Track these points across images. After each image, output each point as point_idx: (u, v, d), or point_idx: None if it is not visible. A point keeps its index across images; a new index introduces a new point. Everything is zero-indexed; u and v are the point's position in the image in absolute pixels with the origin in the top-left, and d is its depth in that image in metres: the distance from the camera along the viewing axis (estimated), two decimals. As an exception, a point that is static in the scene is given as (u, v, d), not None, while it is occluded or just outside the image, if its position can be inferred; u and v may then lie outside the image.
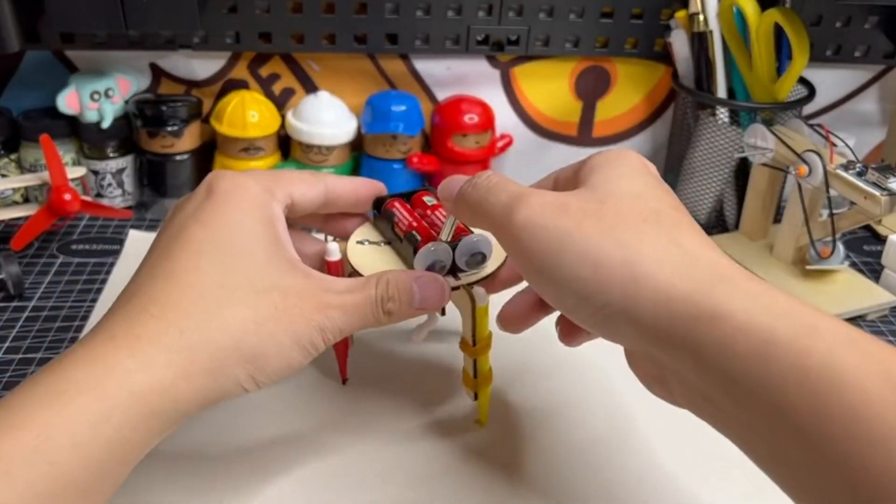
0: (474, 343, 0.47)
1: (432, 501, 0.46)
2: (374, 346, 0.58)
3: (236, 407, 0.51)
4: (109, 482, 0.35)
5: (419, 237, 0.46)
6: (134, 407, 0.34)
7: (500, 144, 0.76)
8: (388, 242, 0.49)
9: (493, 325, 0.47)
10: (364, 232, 0.50)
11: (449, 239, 0.45)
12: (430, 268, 0.45)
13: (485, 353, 0.48)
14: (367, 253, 0.48)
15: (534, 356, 0.58)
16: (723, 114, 0.70)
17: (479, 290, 0.45)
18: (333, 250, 0.47)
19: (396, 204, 0.49)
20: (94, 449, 0.33)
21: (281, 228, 0.42)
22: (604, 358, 0.59)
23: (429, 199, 0.50)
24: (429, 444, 0.50)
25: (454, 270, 0.46)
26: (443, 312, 0.48)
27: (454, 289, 0.45)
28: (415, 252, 0.44)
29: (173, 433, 0.37)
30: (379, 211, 0.50)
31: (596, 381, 0.56)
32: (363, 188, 0.48)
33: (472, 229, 0.47)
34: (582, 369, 0.57)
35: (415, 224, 0.47)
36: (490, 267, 0.47)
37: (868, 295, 0.64)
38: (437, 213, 0.49)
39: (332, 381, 0.54)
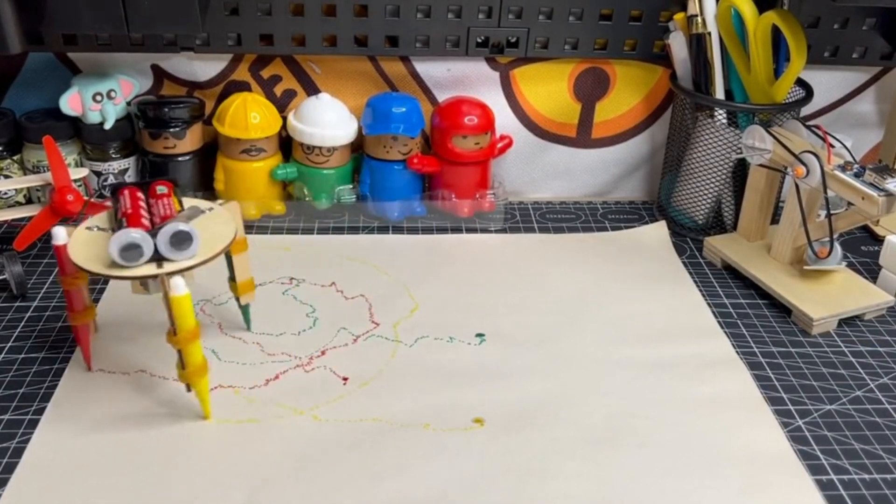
0: (175, 333, 0.48)
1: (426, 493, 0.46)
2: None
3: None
4: None
5: (126, 223, 0.47)
6: None
7: (499, 146, 0.77)
8: (114, 230, 0.49)
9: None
10: (100, 218, 0.51)
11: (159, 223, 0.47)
12: (125, 254, 0.46)
13: (190, 344, 0.48)
14: (89, 240, 0.49)
15: (529, 354, 0.59)
16: (721, 115, 0.70)
17: (175, 280, 0.46)
18: (59, 234, 0.49)
19: (126, 191, 0.51)
20: None
21: None
22: (603, 358, 0.59)
23: (161, 188, 0.52)
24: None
25: (160, 259, 0.47)
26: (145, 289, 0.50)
27: (153, 277, 0.47)
28: None
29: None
30: (114, 197, 0.52)
31: (593, 380, 0.56)
32: None
33: (186, 210, 0.50)
34: (578, 369, 0.57)
35: (129, 210, 0.48)
36: (199, 255, 0.48)
37: (865, 295, 0.64)
38: (163, 201, 0.50)
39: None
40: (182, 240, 0.47)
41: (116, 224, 0.49)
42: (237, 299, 0.58)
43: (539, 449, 0.50)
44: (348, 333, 0.60)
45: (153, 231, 0.46)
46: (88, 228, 0.50)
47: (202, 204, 0.53)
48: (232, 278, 0.57)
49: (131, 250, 0.46)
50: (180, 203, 0.52)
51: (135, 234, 0.46)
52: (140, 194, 0.51)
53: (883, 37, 0.76)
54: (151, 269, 0.47)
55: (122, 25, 0.61)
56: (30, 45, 0.69)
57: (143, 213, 0.49)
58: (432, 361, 0.58)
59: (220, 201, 0.53)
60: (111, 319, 0.61)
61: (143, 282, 0.50)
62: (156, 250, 0.47)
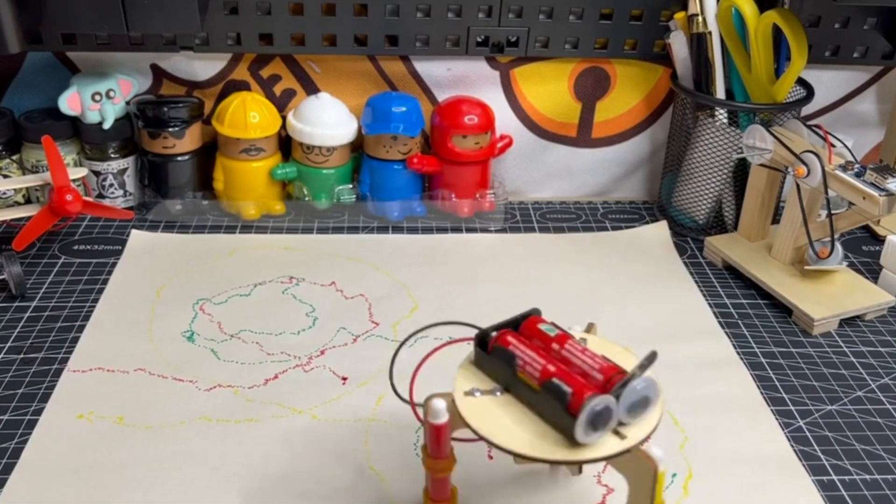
0: None
1: None
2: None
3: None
4: None
5: (567, 388, 0.36)
6: None
7: (499, 145, 0.76)
8: (507, 389, 0.39)
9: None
10: (466, 377, 0.40)
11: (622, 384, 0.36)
12: (591, 427, 0.35)
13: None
14: (485, 408, 0.38)
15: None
16: (721, 115, 0.70)
17: (656, 450, 0.36)
18: (440, 410, 0.38)
19: (511, 339, 0.39)
20: None
21: None
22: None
23: (548, 329, 0.40)
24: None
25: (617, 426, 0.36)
26: (579, 470, 0.43)
27: (622, 453, 0.36)
28: (567, 409, 0.35)
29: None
30: (485, 348, 0.40)
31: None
32: None
33: (640, 362, 0.37)
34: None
35: (551, 368, 0.37)
36: (656, 415, 0.37)
37: (866, 295, 0.64)
38: (570, 345, 0.39)
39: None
40: (645, 403, 0.37)
41: (521, 384, 0.38)
42: None
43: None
44: (348, 333, 0.60)
45: (615, 392, 0.36)
46: (469, 394, 0.39)
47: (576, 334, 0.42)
48: None
49: (597, 423, 0.35)
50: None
51: (600, 403, 0.35)
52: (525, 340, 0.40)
53: (884, 36, 0.76)
54: (615, 443, 0.36)
55: (122, 25, 0.61)
56: (29, 45, 0.69)
57: (563, 366, 0.38)
58: (432, 361, 0.57)
59: (589, 325, 0.43)
60: (108, 310, 0.61)
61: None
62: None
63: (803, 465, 0.50)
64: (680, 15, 0.70)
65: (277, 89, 0.76)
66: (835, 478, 0.49)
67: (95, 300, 0.63)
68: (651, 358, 0.38)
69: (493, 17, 0.72)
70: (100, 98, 0.71)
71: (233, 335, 0.60)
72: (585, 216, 0.78)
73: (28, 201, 0.73)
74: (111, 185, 0.74)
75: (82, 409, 0.52)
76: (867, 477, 0.49)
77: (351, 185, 0.76)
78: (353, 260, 0.69)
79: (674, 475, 0.48)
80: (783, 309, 0.65)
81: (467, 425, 0.37)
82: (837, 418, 0.54)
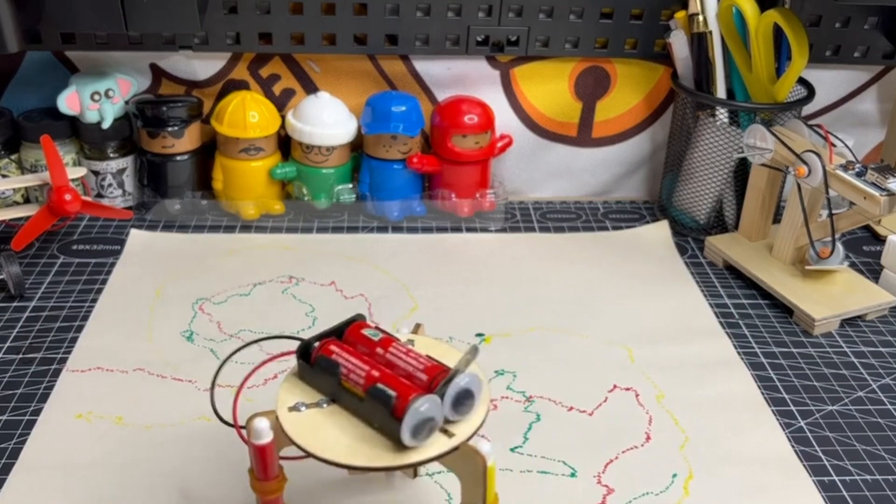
0: None
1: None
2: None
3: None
4: None
5: (392, 392, 0.35)
6: None
7: (499, 145, 0.76)
8: (334, 400, 0.38)
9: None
10: (290, 391, 0.38)
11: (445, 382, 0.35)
12: (417, 432, 0.35)
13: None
14: (311, 422, 0.37)
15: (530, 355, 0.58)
16: (722, 114, 0.70)
17: (484, 444, 0.36)
18: (262, 430, 0.36)
19: (334, 347, 0.38)
20: None
21: None
22: (603, 358, 0.59)
23: (371, 333, 0.39)
24: None
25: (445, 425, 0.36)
26: (414, 473, 0.42)
27: (450, 452, 0.35)
28: (392, 414, 0.34)
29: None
30: (308, 360, 0.38)
31: (594, 380, 0.56)
32: None
33: (462, 358, 0.37)
34: (578, 368, 0.57)
35: (375, 373, 0.36)
36: (482, 410, 0.37)
37: (867, 295, 0.64)
38: (394, 348, 0.38)
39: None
40: (469, 397, 0.36)
41: (349, 395, 0.37)
42: None
43: (539, 449, 0.50)
44: (347, 333, 0.60)
45: (440, 391, 0.35)
46: (294, 409, 0.37)
47: (401, 336, 0.41)
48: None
49: (425, 426, 0.35)
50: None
51: (424, 406, 0.34)
52: (347, 347, 0.39)
53: (885, 36, 0.75)
54: (443, 442, 0.35)
55: (121, 24, 0.61)
56: (28, 44, 0.69)
57: (387, 370, 0.37)
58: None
59: (416, 326, 0.42)
60: (107, 310, 0.60)
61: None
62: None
63: (804, 465, 0.49)
64: (680, 14, 0.70)
65: (277, 89, 0.76)
66: (835, 478, 0.49)
67: (94, 300, 0.63)
68: (473, 352, 0.37)
69: (493, 16, 0.72)
70: (99, 98, 0.70)
71: (232, 335, 0.59)
72: (585, 216, 0.78)
73: (27, 201, 0.73)
74: (110, 185, 0.74)
75: (81, 408, 0.52)
76: (868, 477, 0.49)
77: (351, 185, 0.75)
78: (352, 260, 0.69)
79: (674, 475, 0.48)
80: (784, 309, 0.64)
81: (292, 441, 0.35)
82: (838, 418, 0.54)
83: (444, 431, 0.36)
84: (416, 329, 0.43)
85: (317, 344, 0.38)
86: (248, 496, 0.46)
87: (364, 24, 0.72)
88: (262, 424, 0.36)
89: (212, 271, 0.67)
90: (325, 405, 0.37)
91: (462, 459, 0.36)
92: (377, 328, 0.40)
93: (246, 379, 0.40)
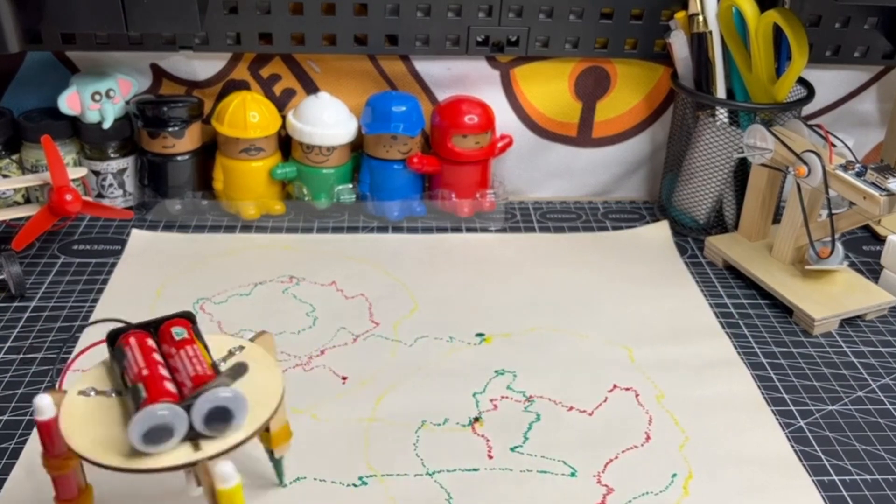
0: None
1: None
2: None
3: None
4: None
5: (144, 394, 0.35)
6: None
7: (499, 145, 0.76)
8: (119, 392, 0.37)
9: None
10: (94, 377, 0.38)
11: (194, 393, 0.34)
12: (150, 438, 0.34)
13: None
14: (88, 410, 0.36)
15: (530, 357, 0.58)
16: (722, 114, 0.70)
17: (223, 468, 0.34)
18: (45, 407, 0.35)
19: (131, 340, 0.38)
20: None
21: None
22: (603, 358, 0.59)
23: (178, 332, 0.39)
24: None
25: (196, 436, 0.35)
26: (197, 483, 0.38)
27: (191, 465, 0.34)
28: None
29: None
30: (113, 347, 0.38)
31: (593, 380, 0.56)
32: None
33: (223, 371, 0.36)
34: (578, 368, 0.57)
35: (146, 371, 0.36)
36: (243, 432, 0.35)
37: (867, 295, 0.64)
38: (187, 350, 0.38)
39: None
40: (225, 415, 0.35)
41: (128, 391, 0.36)
42: (269, 452, 0.45)
43: (539, 449, 0.50)
44: (348, 333, 0.60)
45: (186, 403, 0.34)
46: (83, 393, 0.37)
47: (229, 342, 0.41)
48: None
49: (160, 434, 0.34)
50: (206, 348, 0.39)
51: (162, 412, 0.33)
52: (151, 341, 0.39)
53: (885, 36, 0.75)
54: (186, 454, 0.34)
55: (121, 24, 0.61)
56: (28, 45, 0.69)
57: (164, 371, 0.37)
58: (432, 361, 0.57)
59: (249, 337, 0.42)
60: (107, 310, 0.60)
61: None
62: (191, 426, 0.35)
63: (804, 465, 0.50)
64: (680, 14, 0.70)
65: (277, 89, 0.76)
66: (835, 478, 0.49)
67: (95, 300, 0.63)
68: (237, 370, 0.36)
69: (494, 16, 0.72)
70: (99, 98, 0.70)
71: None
72: (585, 216, 0.78)
73: (27, 201, 0.73)
74: (111, 185, 0.74)
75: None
76: (868, 477, 0.49)
77: (351, 185, 0.75)
78: (353, 260, 0.69)
79: (674, 475, 0.48)
80: (784, 309, 0.64)
81: (52, 422, 0.36)
82: (838, 418, 0.54)
83: (194, 444, 0.35)
84: (257, 337, 0.42)
85: (126, 332, 0.38)
86: (249, 494, 0.46)
87: (364, 25, 0.72)
88: (44, 401, 0.35)
89: (212, 271, 0.67)
90: (112, 395, 0.37)
91: (205, 476, 0.35)
92: (190, 328, 0.39)
93: (76, 357, 0.40)
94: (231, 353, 0.39)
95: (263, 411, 0.36)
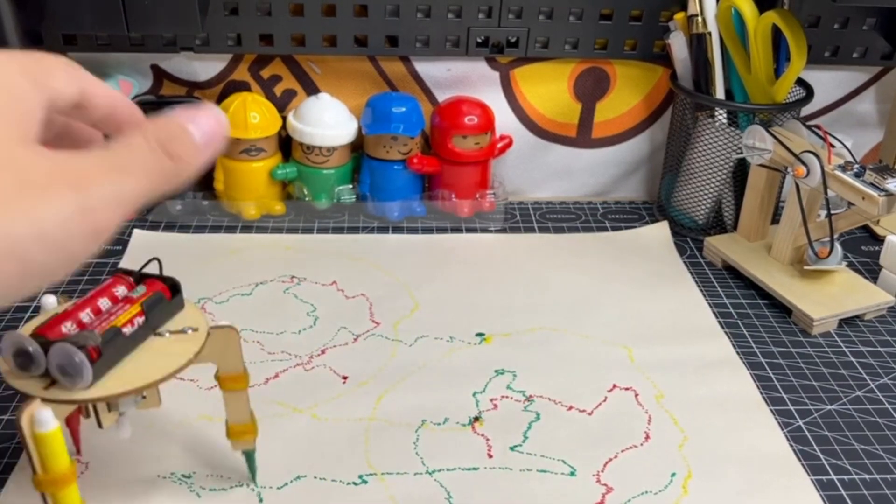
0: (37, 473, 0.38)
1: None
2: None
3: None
4: None
5: (43, 329, 0.38)
6: None
7: (499, 146, 0.77)
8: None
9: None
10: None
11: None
12: (17, 361, 0.38)
13: (61, 489, 0.38)
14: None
15: (530, 354, 0.58)
16: (721, 115, 0.70)
17: (37, 412, 0.36)
18: (47, 419, 0.37)
19: (113, 280, 0.42)
20: None
21: (35, 128, 0.31)
22: (603, 358, 0.59)
23: (138, 290, 0.42)
24: None
25: (53, 381, 0.38)
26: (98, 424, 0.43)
27: (27, 396, 0.37)
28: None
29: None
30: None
31: (593, 380, 0.56)
32: (121, 103, 0.37)
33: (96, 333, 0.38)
34: (578, 368, 0.57)
35: (70, 308, 0.40)
36: (96, 391, 0.37)
37: (866, 295, 0.64)
38: (115, 307, 0.40)
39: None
40: (66, 367, 0.37)
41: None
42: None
43: (538, 448, 0.50)
44: (348, 332, 0.60)
45: (45, 341, 0.37)
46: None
47: (195, 320, 0.42)
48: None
49: (23, 359, 0.37)
50: (143, 310, 0.40)
51: (20, 339, 0.37)
52: (119, 288, 0.42)
53: (883, 37, 0.76)
54: (34, 387, 0.38)
55: (122, 25, 0.61)
56: (29, 45, 0.69)
57: (83, 314, 0.40)
58: (432, 361, 0.58)
59: (211, 326, 0.42)
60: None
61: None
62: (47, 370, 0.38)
63: (802, 464, 0.50)
64: (679, 15, 0.71)
65: (278, 90, 0.76)
66: (834, 477, 0.49)
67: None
68: (110, 334, 0.38)
69: (493, 17, 0.72)
70: (100, 98, 0.71)
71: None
72: (585, 216, 0.79)
73: (29, 201, 0.73)
74: (112, 186, 0.74)
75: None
76: (866, 476, 0.49)
77: (351, 186, 0.76)
78: (353, 260, 0.69)
79: (673, 474, 0.49)
80: (783, 309, 0.65)
81: None
82: (837, 418, 0.54)
83: (47, 384, 0.38)
84: (221, 328, 0.42)
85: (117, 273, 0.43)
86: (250, 494, 0.46)
87: (364, 26, 0.72)
88: (45, 414, 0.37)
89: (213, 271, 0.67)
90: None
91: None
92: (159, 293, 0.41)
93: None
94: (182, 331, 0.41)
95: (133, 380, 0.38)
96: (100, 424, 0.45)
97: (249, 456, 0.46)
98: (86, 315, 0.39)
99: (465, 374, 0.56)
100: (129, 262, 0.68)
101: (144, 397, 0.47)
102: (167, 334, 0.41)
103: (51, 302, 0.41)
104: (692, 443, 0.51)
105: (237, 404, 0.44)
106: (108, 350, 0.38)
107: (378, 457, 0.49)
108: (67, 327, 0.38)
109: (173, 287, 0.42)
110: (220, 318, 0.61)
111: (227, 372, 0.43)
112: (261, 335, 0.60)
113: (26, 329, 0.38)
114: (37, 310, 0.40)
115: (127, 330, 0.39)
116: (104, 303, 0.41)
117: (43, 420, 0.36)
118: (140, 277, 0.42)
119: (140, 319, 0.40)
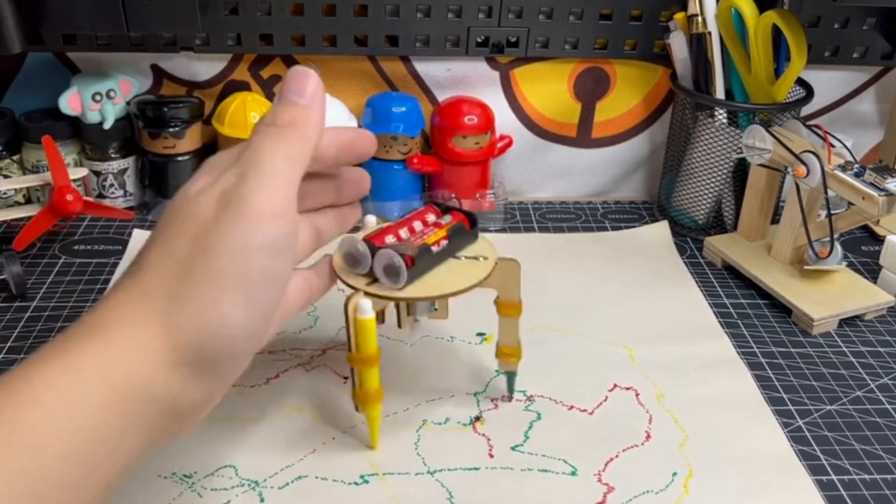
0: (352, 351, 0.47)
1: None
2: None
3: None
4: (101, 475, 0.34)
5: (376, 238, 0.46)
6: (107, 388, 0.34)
7: (499, 145, 0.77)
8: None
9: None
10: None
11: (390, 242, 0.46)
12: (349, 261, 0.46)
13: (367, 367, 0.47)
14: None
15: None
16: (721, 115, 0.70)
17: (361, 301, 0.45)
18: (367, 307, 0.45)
19: (425, 209, 0.50)
20: (76, 435, 0.33)
21: None
22: (603, 358, 0.59)
23: (445, 219, 0.50)
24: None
25: (374, 279, 0.45)
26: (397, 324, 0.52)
27: (355, 289, 0.45)
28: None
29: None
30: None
31: (593, 380, 0.56)
32: (359, 139, 0.46)
33: (412, 246, 0.46)
34: (578, 369, 0.57)
35: (392, 225, 0.48)
36: (409, 292, 0.45)
37: (866, 295, 0.64)
38: (425, 229, 0.48)
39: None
40: (390, 269, 0.45)
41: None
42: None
43: (540, 448, 0.50)
44: (348, 333, 0.60)
45: (374, 247, 0.45)
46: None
47: (486, 251, 0.49)
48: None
49: (352, 259, 0.46)
50: (448, 235, 0.48)
51: (354, 242, 0.45)
52: (430, 215, 0.50)
53: (883, 36, 0.76)
54: (360, 283, 0.45)
55: (122, 25, 0.61)
56: (29, 45, 0.69)
57: (402, 231, 0.48)
58: (432, 361, 0.58)
59: (499, 257, 0.48)
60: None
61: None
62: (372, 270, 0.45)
63: (803, 464, 0.50)
64: (679, 15, 0.71)
65: (278, 89, 0.76)
66: (834, 477, 0.49)
67: (96, 300, 0.63)
68: (420, 251, 0.45)
69: (493, 17, 0.72)
70: (100, 98, 0.71)
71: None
72: (585, 216, 0.79)
73: (28, 201, 0.73)
74: (111, 185, 0.74)
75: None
76: (866, 477, 0.49)
77: (351, 186, 0.76)
78: (353, 260, 0.69)
79: (674, 474, 0.49)
80: (783, 309, 0.65)
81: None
82: (837, 418, 0.54)
83: (372, 281, 0.46)
84: (507, 261, 0.49)
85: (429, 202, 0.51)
86: (250, 494, 0.46)
87: (364, 26, 0.72)
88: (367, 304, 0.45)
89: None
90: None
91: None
92: (458, 223, 0.49)
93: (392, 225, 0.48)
94: (475, 258, 0.48)
95: (433, 290, 0.45)
96: (400, 325, 0.55)
97: (510, 377, 0.53)
98: (404, 232, 0.47)
99: (465, 374, 0.56)
100: (128, 261, 0.67)
101: (436, 308, 0.53)
102: (463, 258, 0.48)
103: (371, 220, 0.50)
104: (693, 442, 0.51)
105: (509, 329, 0.51)
106: (419, 262, 0.45)
107: (379, 456, 0.49)
108: (390, 239, 0.46)
109: (472, 220, 0.49)
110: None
111: (506, 299, 0.50)
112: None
113: (357, 237, 0.46)
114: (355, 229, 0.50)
115: (434, 248, 0.46)
116: (418, 224, 0.48)
117: (364, 308, 0.44)
118: (446, 209, 0.50)
119: (444, 242, 0.47)
